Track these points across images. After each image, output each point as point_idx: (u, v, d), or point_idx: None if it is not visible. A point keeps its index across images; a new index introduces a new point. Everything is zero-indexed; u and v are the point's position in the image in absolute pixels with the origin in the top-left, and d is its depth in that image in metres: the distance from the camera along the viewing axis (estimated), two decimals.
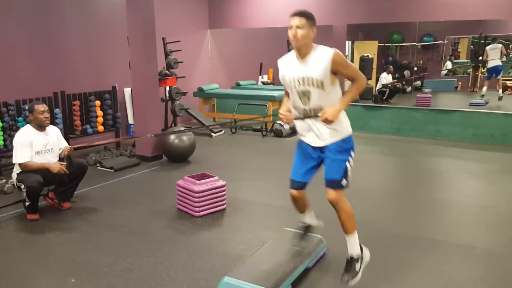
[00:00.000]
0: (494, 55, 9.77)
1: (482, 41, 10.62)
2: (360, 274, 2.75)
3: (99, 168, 5.88)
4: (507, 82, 11.10)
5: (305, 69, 2.62)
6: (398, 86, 10.43)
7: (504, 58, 10.12)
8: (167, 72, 7.20)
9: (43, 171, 3.98)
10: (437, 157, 6.61)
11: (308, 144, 2.80)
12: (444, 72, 11.78)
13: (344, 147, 2.71)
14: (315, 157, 2.80)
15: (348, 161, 2.72)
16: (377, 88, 10.50)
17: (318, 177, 2.88)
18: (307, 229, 3.17)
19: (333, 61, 2.56)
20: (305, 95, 2.67)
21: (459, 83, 11.12)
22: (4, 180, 4.89)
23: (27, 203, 4.02)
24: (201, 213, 4.08)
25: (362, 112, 8.60)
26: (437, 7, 7.97)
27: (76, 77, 6.97)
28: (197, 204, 4.08)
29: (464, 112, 7.84)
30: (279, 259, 2.98)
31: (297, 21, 2.57)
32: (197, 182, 4.13)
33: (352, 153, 2.74)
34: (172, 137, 6.08)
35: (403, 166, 6.29)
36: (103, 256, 3.36)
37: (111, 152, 6.44)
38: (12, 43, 6.15)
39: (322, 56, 2.59)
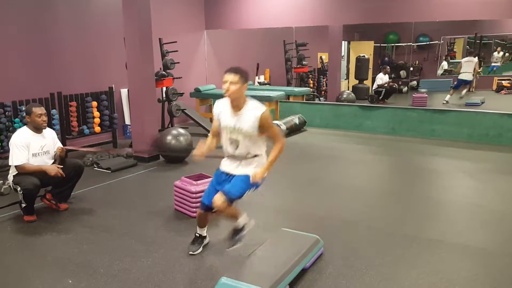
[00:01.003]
0: (467, 68, 9.88)
1: (477, 41, 10.68)
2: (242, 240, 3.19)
3: (96, 169, 5.88)
4: (503, 82, 11.16)
5: (237, 121, 2.95)
6: (394, 86, 10.47)
7: (478, 74, 10.30)
8: (163, 72, 7.21)
9: (40, 173, 3.98)
10: (433, 156, 6.64)
11: (223, 171, 3.15)
12: (440, 72, 11.83)
13: (249, 182, 2.99)
14: (224, 180, 3.12)
15: (246, 191, 3.03)
16: (373, 88, 10.55)
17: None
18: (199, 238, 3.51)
19: (260, 119, 2.89)
20: (235, 142, 3.00)
21: (455, 83, 11.18)
22: (1, 182, 4.87)
23: (23, 205, 4.02)
24: None
25: (358, 112, 8.63)
26: (432, 7, 8.01)
27: (72, 78, 6.97)
28: (194, 205, 4.09)
29: (459, 112, 7.88)
30: (276, 260, 3.00)
31: (231, 77, 2.88)
32: (194, 182, 4.14)
33: (251, 190, 3.06)
34: (169, 137, 6.08)
35: (399, 165, 6.32)
36: (100, 257, 3.37)
37: (108, 153, 6.43)
38: (8, 44, 6.14)
39: (252, 113, 2.91)
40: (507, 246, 3.55)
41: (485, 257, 3.37)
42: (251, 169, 3.00)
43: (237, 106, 2.96)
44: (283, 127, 7.93)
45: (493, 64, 11.45)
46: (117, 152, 6.46)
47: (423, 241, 3.64)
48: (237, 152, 3.03)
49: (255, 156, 3.04)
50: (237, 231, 3.17)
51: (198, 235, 3.47)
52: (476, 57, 9.96)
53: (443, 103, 9.73)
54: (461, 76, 9.93)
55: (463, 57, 10.44)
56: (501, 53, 11.23)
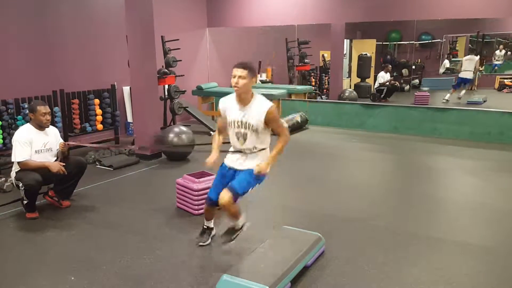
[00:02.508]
0: (468, 66, 9.83)
1: (480, 39, 10.66)
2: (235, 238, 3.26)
3: (98, 166, 5.90)
4: (505, 80, 11.14)
5: (245, 115, 3.04)
6: (396, 84, 10.46)
7: (479, 71, 10.24)
8: (166, 70, 7.21)
9: (42, 170, 3.99)
10: (435, 154, 6.64)
11: (229, 166, 3.21)
12: (442, 70, 11.81)
13: (254, 178, 3.06)
14: (229, 175, 3.19)
15: (252, 187, 3.10)
16: (375, 87, 10.53)
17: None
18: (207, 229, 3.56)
19: (267, 114, 2.98)
20: (242, 136, 3.08)
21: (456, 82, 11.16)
22: (4, 179, 4.89)
23: (25, 202, 4.03)
24: (200, 211, 4.10)
25: (360, 110, 8.63)
26: (435, 5, 7.99)
27: (75, 76, 6.98)
28: (196, 202, 4.10)
29: (461, 110, 7.87)
30: (278, 257, 3.01)
31: (239, 71, 2.96)
32: (196, 180, 4.15)
33: (257, 185, 3.14)
34: (171, 135, 6.09)
35: (401, 164, 6.32)
36: (102, 254, 3.38)
37: (110, 150, 6.44)
38: (11, 42, 6.15)
39: (259, 107, 3.01)
40: (509, 244, 3.55)
41: (487, 255, 3.37)
42: (256, 163, 3.06)
43: (244, 100, 3.04)
44: (285, 125, 7.93)
45: (495, 62, 11.43)
46: (120, 148, 6.46)
47: (424, 239, 3.64)
48: (244, 146, 3.09)
49: (261, 150, 3.11)
50: (235, 230, 3.24)
51: (206, 227, 3.54)
52: (478, 56, 9.92)
53: (443, 102, 9.72)
54: (461, 75, 9.91)
55: (465, 55, 10.43)
56: (503, 51, 11.20)
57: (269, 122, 3.01)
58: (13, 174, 4.09)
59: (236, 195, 2.99)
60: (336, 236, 3.66)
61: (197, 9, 9.76)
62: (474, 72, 9.91)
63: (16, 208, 4.27)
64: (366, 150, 6.97)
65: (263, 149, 3.13)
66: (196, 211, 4.11)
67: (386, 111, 8.39)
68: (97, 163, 5.96)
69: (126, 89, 7.85)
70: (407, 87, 11.22)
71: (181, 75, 7.68)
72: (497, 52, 11.27)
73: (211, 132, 8.11)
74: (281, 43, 10.84)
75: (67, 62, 6.91)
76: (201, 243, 3.48)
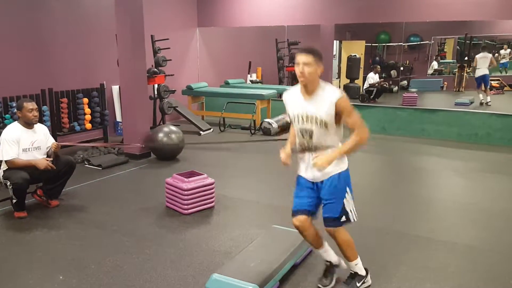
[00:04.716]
0: (483, 64, 9.79)
1: (467, 41, 10.77)
2: None
3: (87, 165, 5.86)
4: (492, 82, 11.27)
5: (310, 107, 2.59)
6: (385, 85, 10.55)
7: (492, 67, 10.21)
8: (155, 70, 7.19)
9: (30, 168, 3.96)
10: (422, 155, 6.71)
11: (306, 179, 2.76)
12: (430, 72, 11.92)
13: (339, 185, 2.68)
14: (313, 188, 2.75)
15: (345, 198, 2.70)
16: (364, 88, 10.61)
17: None
18: (330, 267, 2.98)
19: (337, 105, 2.51)
20: (308, 133, 2.63)
21: (445, 83, 11.28)
22: None
23: (14, 201, 4.00)
24: (190, 210, 4.11)
25: None
26: (423, 7, 8.08)
27: (64, 75, 6.93)
28: (185, 202, 4.10)
29: (449, 112, 7.96)
30: (267, 256, 3.02)
31: (304, 58, 2.51)
32: (186, 180, 4.15)
33: (347, 189, 2.72)
34: (161, 135, 6.07)
35: (389, 164, 6.38)
36: (91, 253, 3.37)
37: (99, 149, 6.41)
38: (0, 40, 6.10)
39: (327, 97, 2.54)
40: (495, 244, 3.61)
41: (473, 254, 3.43)
42: (330, 167, 2.62)
43: (310, 90, 2.58)
44: (275, 125, 7.96)
45: (501, 61, 11.46)
46: (110, 146, 6.43)
47: (412, 238, 3.69)
48: (311, 145, 2.65)
49: (328, 148, 2.63)
50: (358, 277, 2.87)
51: (328, 263, 2.95)
52: (490, 53, 9.91)
53: (488, 104, 9.44)
54: (478, 73, 9.80)
55: (453, 57, 10.51)
56: (508, 50, 11.27)
57: (341, 115, 2.54)
58: (0, 173, 4.06)
59: (337, 221, 2.67)
60: (324, 235, 3.68)
61: (187, 8, 9.75)
62: (487, 68, 9.84)
63: (5, 208, 4.24)
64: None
65: (331, 147, 2.64)
66: (186, 211, 4.11)
67: (375, 112, 8.46)
68: (85, 163, 5.93)
69: (115, 88, 7.82)
70: (395, 88, 11.31)
71: (171, 75, 7.67)
72: (502, 51, 11.33)
73: (201, 132, 8.10)
74: (272, 43, 10.87)
75: (56, 61, 6.86)
76: (321, 286, 2.90)
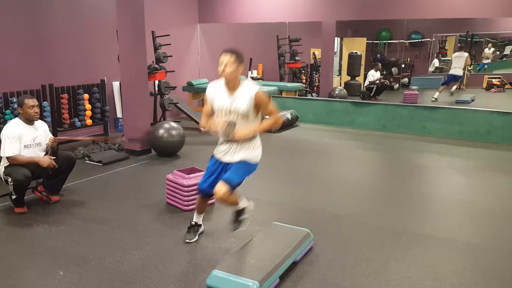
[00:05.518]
0: (458, 63, 9.88)
1: (469, 39, 10.77)
2: (245, 222, 3.26)
3: (87, 161, 5.86)
4: (493, 80, 11.27)
5: (233, 102, 2.97)
6: (385, 83, 10.54)
7: (468, 70, 10.32)
8: (156, 66, 7.19)
9: (32, 165, 3.96)
10: (423, 153, 6.70)
11: (220, 160, 3.16)
12: (431, 69, 11.91)
13: (247, 168, 3.07)
14: (222, 167, 3.15)
15: (246, 177, 3.08)
16: (365, 85, 10.61)
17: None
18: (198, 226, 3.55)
19: (256, 98, 2.92)
20: (230, 124, 2.98)
21: (445, 79, 11.29)
22: None
23: (13, 197, 4.00)
24: (190, 207, 4.10)
25: (350, 109, 8.68)
26: (425, 5, 8.06)
27: (64, 70, 6.92)
28: (186, 198, 4.10)
29: (450, 109, 7.96)
30: (268, 253, 3.03)
31: (227, 58, 2.93)
32: (186, 176, 4.15)
33: (250, 175, 3.11)
34: (161, 131, 6.07)
35: (389, 161, 6.38)
36: (92, 249, 3.37)
37: (99, 145, 6.41)
38: (0, 36, 6.10)
39: (247, 92, 2.94)
40: (496, 242, 3.61)
41: (473, 251, 3.43)
42: (248, 153, 3.05)
43: (232, 87, 2.99)
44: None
45: (484, 61, 11.55)
46: (111, 141, 6.42)
47: (412, 235, 3.69)
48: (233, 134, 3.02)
49: (251, 138, 3.05)
50: (239, 213, 3.23)
51: (194, 223, 3.51)
52: (467, 53, 9.99)
53: (432, 101, 9.80)
54: (451, 72, 9.97)
55: (454, 53, 10.53)
56: (492, 49, 11.32)
57: (259, 106, 2.96)
58: (1, 168, 4.05)
59: (232, 187, 2.96)
60: (325, 232, 3.69)
61: (188, 4, 9.73)
62: (463, 69, 9.98)
63: (4, 203, 4.23)
64: (356, 148, 7.01)
65: (254, 137, 3.07)
66: (186, 207, 4.11)
67: (375, 109, 8.45)
68: (86, 159, 5.93)
69: (116, 84, 7.81)
70: (396, 85, 11.31)
71: (172, 71, 7.66)
72: (486, 50, 11.38)
73: (201, 128, 8.09)
74: (273, 40, 10.86)
75: (57, 57, 6.85)
76: (187, 240, 3.45)
